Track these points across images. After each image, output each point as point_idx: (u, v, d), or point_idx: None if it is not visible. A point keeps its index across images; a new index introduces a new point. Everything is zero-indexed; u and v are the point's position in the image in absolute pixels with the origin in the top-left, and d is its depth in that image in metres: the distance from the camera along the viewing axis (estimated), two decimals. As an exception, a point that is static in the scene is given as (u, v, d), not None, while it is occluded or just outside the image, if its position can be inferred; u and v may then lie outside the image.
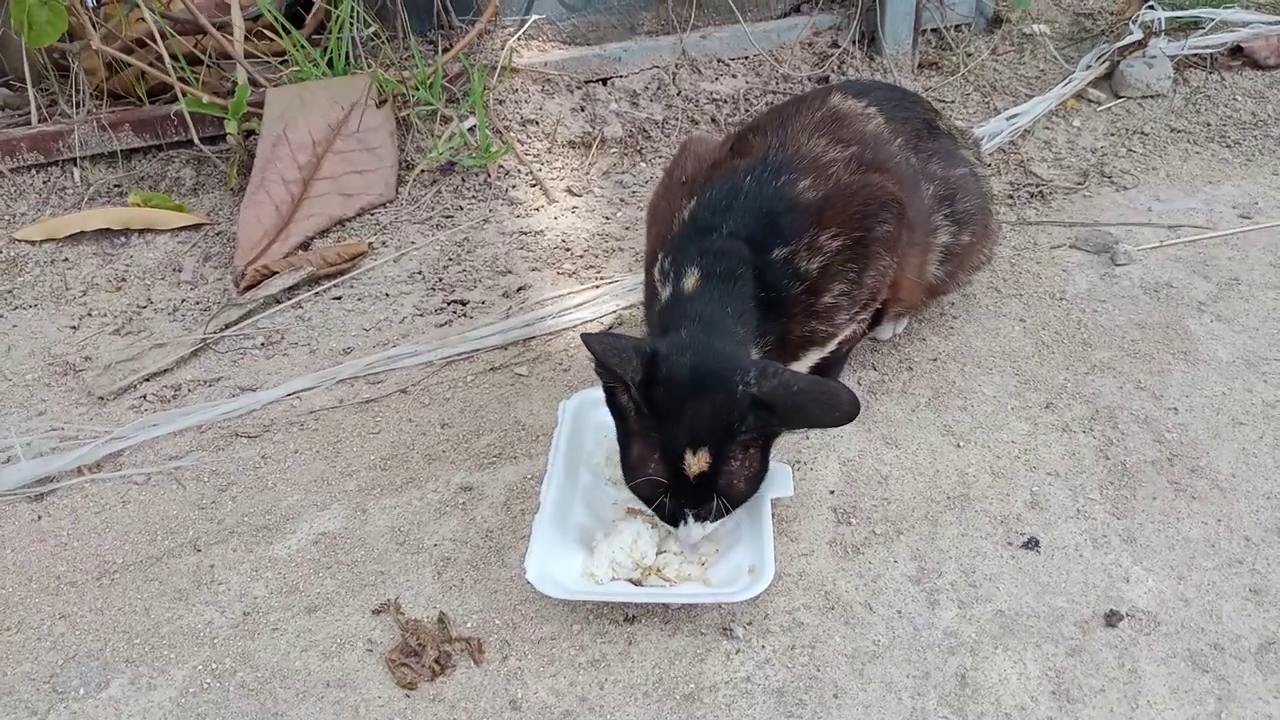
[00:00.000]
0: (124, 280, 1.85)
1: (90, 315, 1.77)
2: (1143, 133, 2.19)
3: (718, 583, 1.20)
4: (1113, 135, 2.18)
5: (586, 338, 1.15)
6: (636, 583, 1.21)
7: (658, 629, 1.19)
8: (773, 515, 1.24)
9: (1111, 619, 1.18)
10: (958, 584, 1.23)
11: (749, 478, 1.16)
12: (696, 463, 1.12)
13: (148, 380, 1.62)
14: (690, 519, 1.17)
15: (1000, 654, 1.15)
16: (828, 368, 1.39)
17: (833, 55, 2.34)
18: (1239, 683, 1.11)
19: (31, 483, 1.43)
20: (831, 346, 1.33)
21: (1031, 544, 1.28)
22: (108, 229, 1.93)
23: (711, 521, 1.18)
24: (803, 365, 1.31)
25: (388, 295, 1.79)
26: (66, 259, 1.90)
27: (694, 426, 1.12)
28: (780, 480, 1.24)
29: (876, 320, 1.43)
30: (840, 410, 1.11)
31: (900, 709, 1.09)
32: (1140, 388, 1.52)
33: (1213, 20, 2.41)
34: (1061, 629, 1.17)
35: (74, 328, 1.74)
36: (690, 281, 1.23)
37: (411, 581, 1.26)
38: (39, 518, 1.38)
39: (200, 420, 1.53)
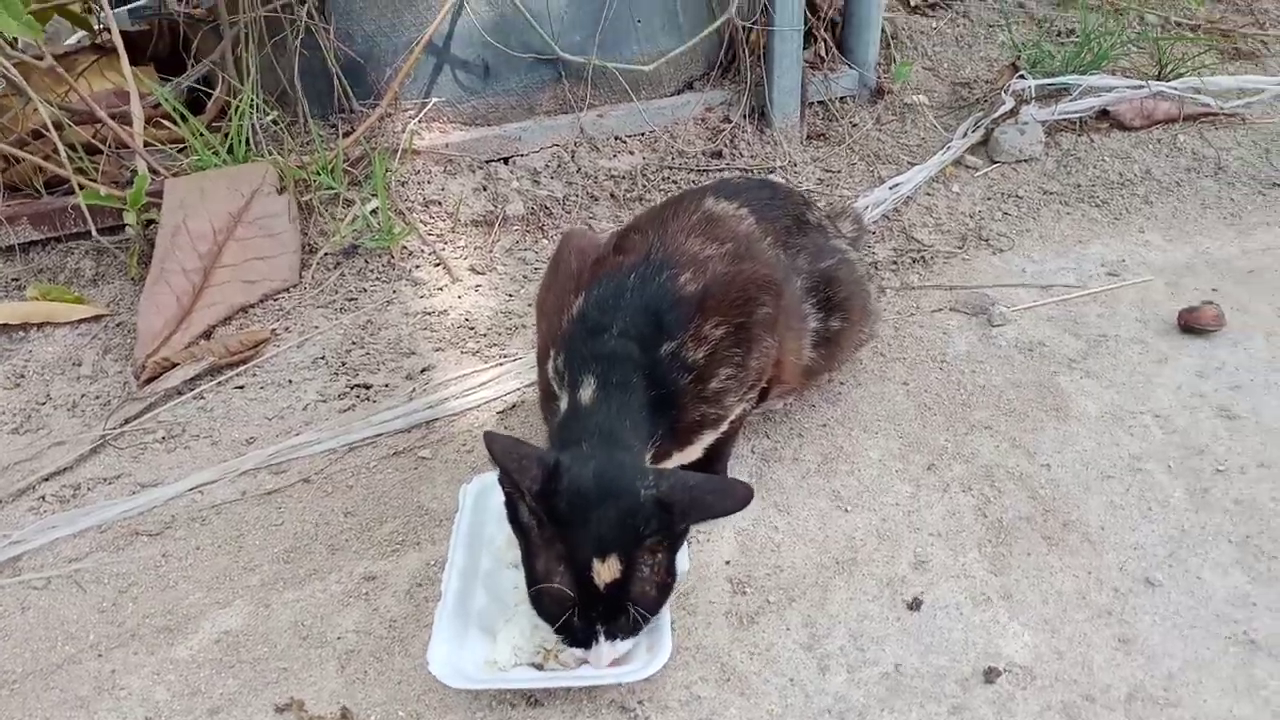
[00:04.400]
0: (22, 377, 1.84)
1: (-14, 415, 1.75)
2: (1017, 196, 2.32)
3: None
4: (989, 200, 2.31)
5: (489, 437, 1.16)
6: (539, 666, 1.24)
7: (560, 711, 1.22)
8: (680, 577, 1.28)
9: (990, 675, 1.24)
10: (846, 648, 1.29)
11: (660, 585, 1.16)
12: (606, 570, 1.12)
13: (46, 480, 1.61)
14: (601, 637, 1.16)
15: (887, 716, 1.20)
16: (720, 446, 1.45)
17: (725, 130, 2.44)
18: (1108, 730, 1.18)
19: (-76, 593, 1.41)
20: (723, 428, 1.39)
21: (915, 605, 1.34)
22: (5, 324, 1.92)
23: (624, 639, 1.18)
24: (696, 448, 1.37)
25: (291, 382, 1.80)
26: (-39, 357, 1.88)
27: (600, 532, 1.12)
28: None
29: (763, 397, 1.49)
30: (735, 498, 1.15)
31: (792, 777, 1.13)
32: (1016, 446, 1.61)
33: (1080, 86, 2.57)
34: (944, 687, 1.23)
35: (-32, 429, 1.72)
36: (587, 393, 1.26)
37: (315, 677, 1.27)
38: (-68, 629, 1.36)
39: (100, 520, 1.52)
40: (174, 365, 1.80)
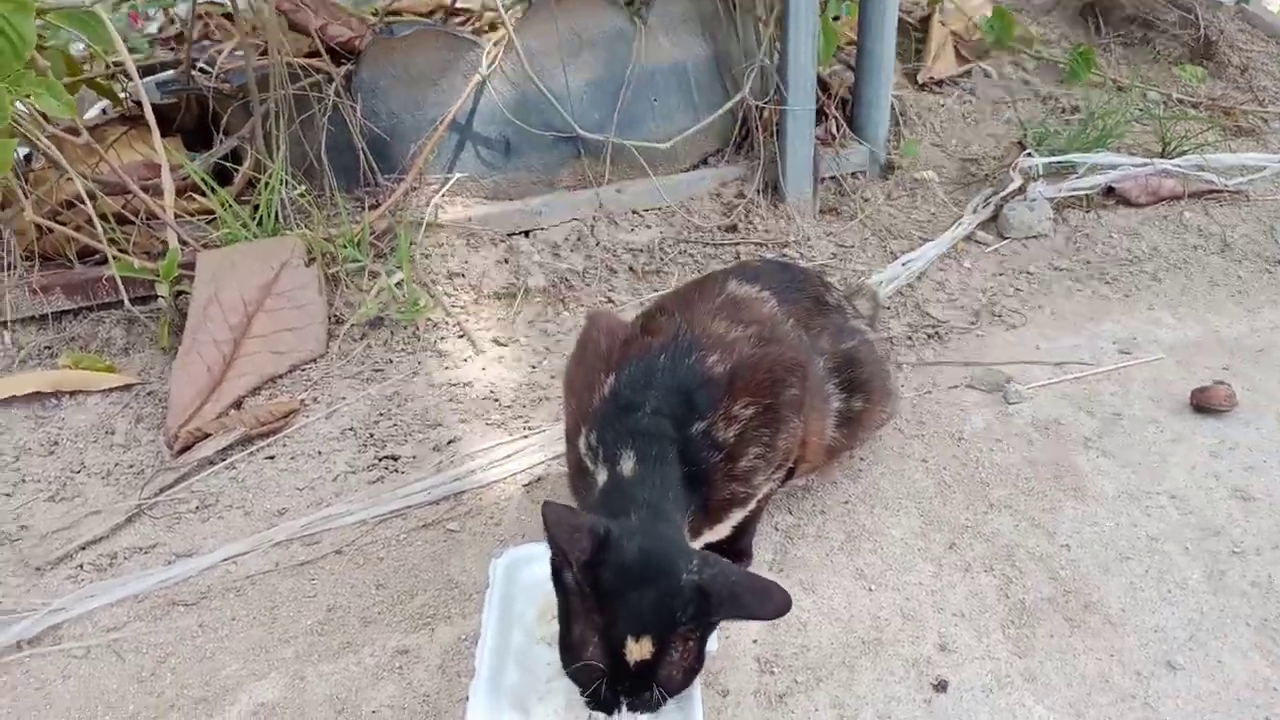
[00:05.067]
0: (56, 444, 1.87)
1: (24, 481, 1.78)
2: (1028, 272, 2.37)
3: None
4: (1001, 275, 2.36)
5: (546, 508, 1.19)
6: None
7: (594, 791, 1.23)
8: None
9: (1017, 758, 1.26)
10: (875, 730, 1.31)
11: (686, 670, 1.18)
12: (638, 650, 1.14)
13: (84, 549, 1.64)
14: (624, 709, 1.19)
15: (917, 799, 1.22)
16: (748, 523, 1.48)
17: (739, 204, 2.50)
18: (1135, 815, 1.20)
19: (-33, 661, 1.43)
20: (752, 505, 1.42)
21: (941, 686, 1.36)
22: (39, 392, 1.95)
23: (644, 713, 1.20)
24: (725, 526, 1.40)
25: (320, 453, 1.84)
26: (-3, 423, 1.91)
27: (639, 613, 1.14)
28: None
29: (789, 476, 1.52)
30: (772, 603, 1.17)
31: None
32: (1035, 525, 1.64)
33: (1086, 164, 2.64)
34: (972, 771, 1.25)
35: (8, 495, 1.75)
36: (628, 465, 1.30)
37: (351, 753, 1.29)
38: (-27, 699, 1.38)
39: (137, 589, 1.55)
40: (206, 435, 1.83)
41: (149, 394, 1.99)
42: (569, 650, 1.19)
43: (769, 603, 1.17)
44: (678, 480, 1.31)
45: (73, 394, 1.98)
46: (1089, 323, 2.20)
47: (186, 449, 1.82)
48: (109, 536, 1.67)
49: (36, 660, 1.44)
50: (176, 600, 1.54)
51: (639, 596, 1.15)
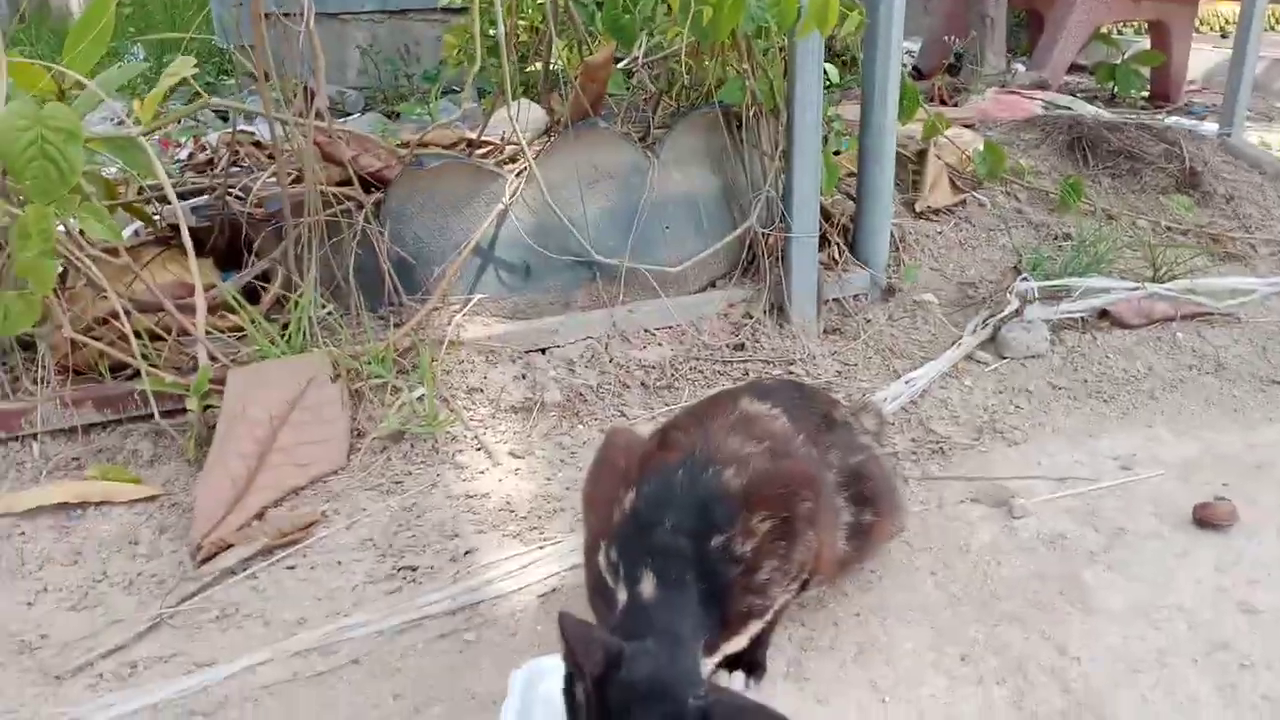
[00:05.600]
0: (79, 554, 1.90)
1: (46, 590, 1.81)
2: (1028, 390, 2.45)
3: None
4: (1001, 393, 2.43)
5: (564, 619, 1.22)
6: None
7: None
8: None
9: None
10: (893, 842, 1.31)
11: None
12: None
13: (104, 658, 1.65)
14: None
15: None
16: (763, 635, 1.51)
17: (746, 324, 2.60)
18: None
19: (-18, 772, 1.44)
20: (768, 617, 1.46)
21: (958, 798, 1.37)
22: (65, 503, 2.00)
23: None
24: (743, 638, 1.43)
25: (339, 563, 1.87)
26: (23, 533, 1.94)
27: None
28: None
29: (803, 587, 1.56)
30: None
31: None
32: (1045, 638, 1.66)
33: (1080, 288, 2.75)
34: None
35: (29, 604, 1.77)
36: (648, 588, 1.33)
37: None
38: (-12, 810, 1.39)
39: (156, 699, 1.56)
40: (229, 546, 1.87)
41: (173, 505, 2.03)
42: None
43: None
44: (696, 599, 1.34)
45: (98, 505, 2.02)
46: (1089, 439, 2.26)
47: (210, 559, 1.85)
48: (129, 645, 1.68)
49: (54, 770, 1.45)
50: (194, 710, 1.55)
51: (642, 716, 1.18)
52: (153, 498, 2.04)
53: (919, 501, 2.03)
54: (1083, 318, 2.71)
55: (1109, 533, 1.93)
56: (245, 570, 1.84)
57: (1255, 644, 1.64)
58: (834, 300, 2.73)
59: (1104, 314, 2.75)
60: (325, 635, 1.68)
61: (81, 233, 2.30)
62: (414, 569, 1.85)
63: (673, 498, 1.41)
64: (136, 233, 2.88)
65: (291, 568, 1.86)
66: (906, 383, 2.42)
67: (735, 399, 1.62)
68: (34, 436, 2.14)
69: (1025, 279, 2.70)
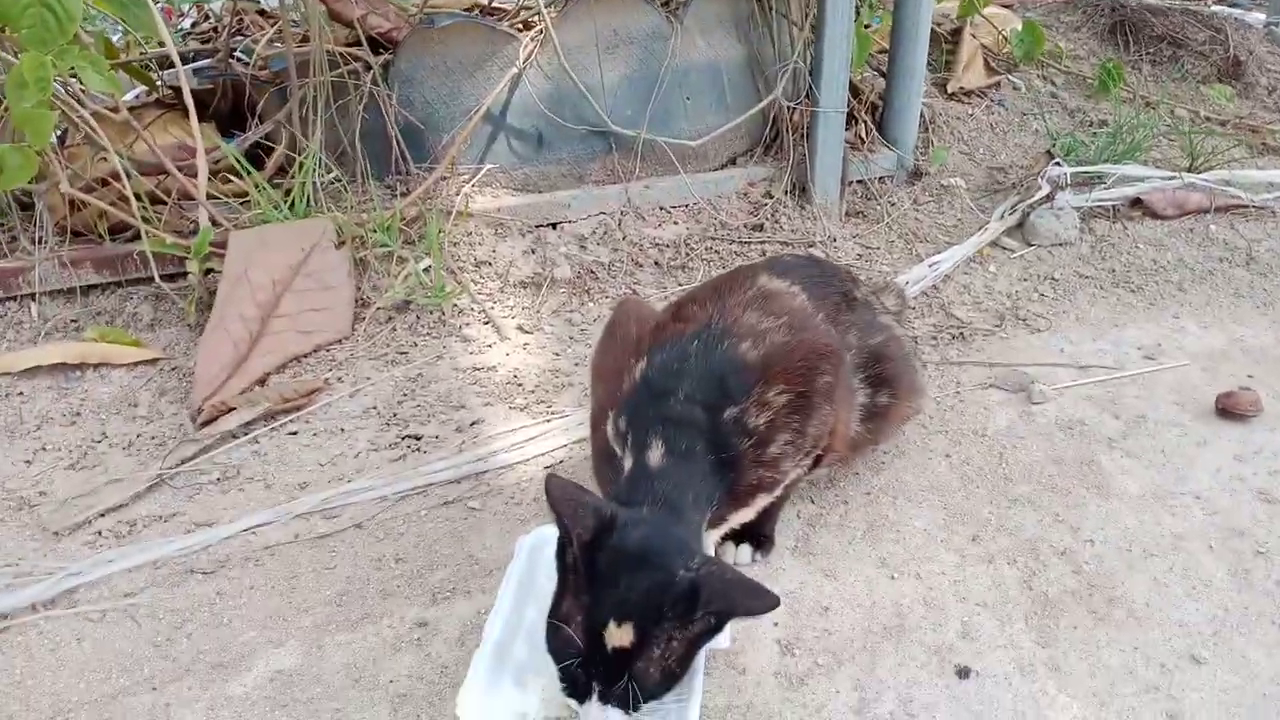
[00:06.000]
0: (78, 415, 1.88)
1: (45, 450, 1.79)
2: (1053, 278, 2.37)
3: None
4: (1025, 281, 2.36)
5: (550, 481, 1.19)
6: None
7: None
8: (715, 656, 1.30)
9: (1040, 745, 1.24)
10: (896, 713, 1.29)
11: (665, 673, 1.13)
12: (618, 636, 1.11)
13: (103, 516, 1.64)
14: (595, 698, 1.14)
15: (937, 781, 1.20)
16: (772, 508, 1.48)
17: (766, 204, 2.51)
18: (1159, 805, 1.18)
19: (-17, 621, 1.43)
20: (778, 491, 1.42)
21: (964, 673, 1.35)
22: (64, 364, 1.97)
23: (615, 707, 1.14)
24: (750, 511, 1.39)
25: (343, 430, 1.84)
26: (21, 393, 1.92)
27: (626, 598, 1.12)
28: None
29: (816, 464, 1.51)
30: (761, 602, 1.13)
31: (845, 838, 1.14)
32: (1059, 520, 1.63)
33: (1114, 175, 2.64)
34: (994, 756, 1.23)
35: (28, 462, 1.76)
36: (655, 455, 1.29)
37: (368, 719, 1.28)
38: (-10, 657, 1.38)
39: (155, 556, 1.55)
40: (230, 410, 1.84)
41: (173, 369, 2.00)
42: (552, 623, 1.17)
43: (757, 600, 1.13)
44: (704, 471, 1.30)
45: (97, 367, 1.99)
46: (1113, 329, 2.19)
47: (210, 422, 1.82)
48: (128, 504, 1.67)
49: (51, 623, 1.44)
50: (194, 568, 1.54)
51: (630, 582, 1.13)
52: (153, 361, 2.01)
53: (936, 386, 1.97)
54: (1115, 206, 2.62)
55: (1129, 420, 1.88)
56: (247, 434, 1.82)
57: (1272, 532, 1.60)
58: (858, 182, 2.63)
59: (1136, 203, 2.65)
60: (327, 499, 1.66)
61: (82, 90, 2.22)
62: (418, 438, 1.82)
63: (686, 368, 1.36)
64: (137, 97, 2.79)
65: (294, 433, 1.83)
66: (930, 266, 2.34)
67: (754, 275, 1.55)
68: (32, 297, 2.10)
69: (1058, 164, 2.60)
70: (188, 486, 1.71)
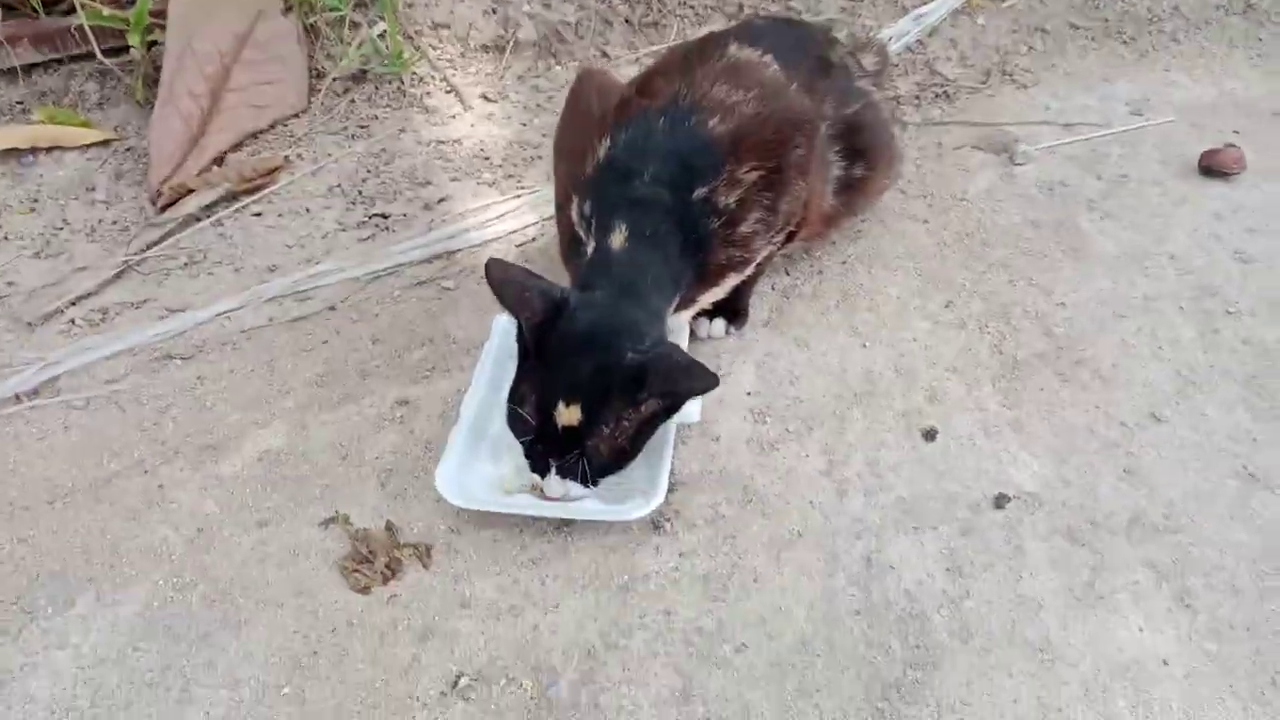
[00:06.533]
0: (37, 201, 1.82)
1: (6, 239, 1.75)
2: (1044, 30, 2.26)
3: (614, 499, 1.26)
4: (1015, 32, 2.25)
5: (490, 266, 1.19)
6: (540, 493, 1.26)
7: (592, 526, 1.27)
8: (690, 427, 1.34)
9: (1000, 501, 1.30)
10: (864, 474, 1.34)
11: (615, 450, 1.19)
12: (567, 415, 1.16)
13: (74, 304, 1.62)
14: (554, 471, 1.20)
15: (901, 537, 1.26)
16: (744, 286, 1.47)
17: (745, -47, 2.35)
18: (1111, 553, 1.24)
19: (-33, 412, 1.44)
20: (749, 270, 1.41)
21: (930, 435, 1.39)
22: (15, 149, 1.89)
23: (574, 481, 1.21)
24: (721, 290, 1.39)
25: (308, 210, 1.80)
26: (-28, 179, 1.86)
27: (574, 379, 1.16)
28: (689, 407, 1.28)
29: (789, 239, 1.49)
30: (703, 382, 1.17)
31: (812, 589, 1.20)
32: (1032, 284, 1.63)
33: (1112, -87, 2.47)
34: (955, 512, 1.29)
35: (-9, 253, 1.73)
36: (618, 240, 1.27)
37: (356, 493, 1.32)
38: (-20, 446, 1.40)
39: (132, 343, 1.55)
40: (190, 191, 1.78)
41: (128, 150, 1.92)
42: (510, 403, 1.22)
43: (701, 381, 1.17)
44: (669, 253, 1.29)
45: (49, 150, 1.91)
46: (1102, 83, 2.12)
47: (170, 205, 1.77)
48: (98, 292, 1.65)
49: (36, 412, 1.45)
50: (172, 354, 1.54)
51: (576, 364, 1.17)
52: (105, 142, 1.93)
53: (917, 148, 1.92)
54: (1111, -51, 2.46)
55: (1111, 180, 1.85)
56: (210, 217, 1.77)
57: (1244, 291, 1.61)
58: (840, -73, 2.45)
59: (1135, -55, 2.49)
60: (298, 281, 1.65)
61: None
62: (386, 216, 1.78)
63: (652, 146, 1.31)
64: None
65: (258, 214, 1.79)
66: (915, 20, 2.23)
67: (722, 44, 1.46)
68: (-29, 78, 1.99)
69: (1054, -99, 2.42)
70: (155, 272, 1.69)
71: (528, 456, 1.23)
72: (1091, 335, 1.54)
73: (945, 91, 2.08)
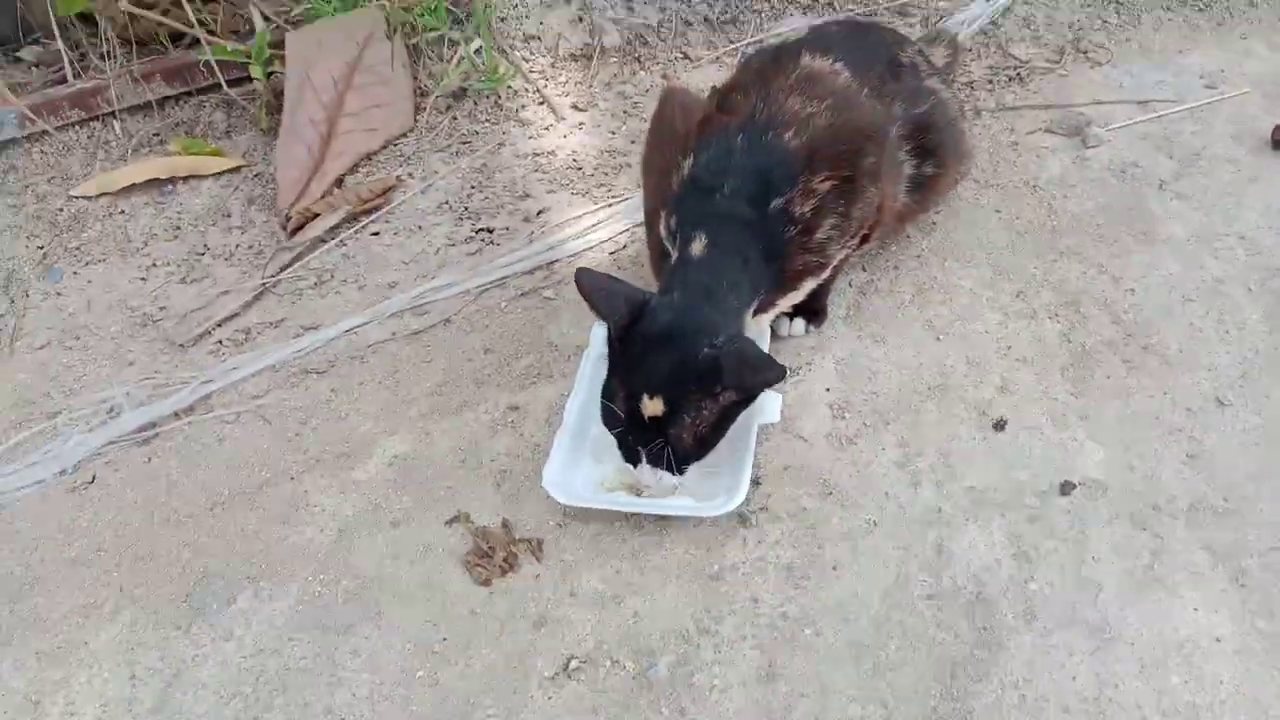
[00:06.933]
0: (179, 228, 2.03)
1: (155, 265, 1.96)
2: (1119, 2, 2.28)
3: (703, 496, 1.40)
4: (1089, 6, 2.27)
5: (580, 275, 1.34)
6: (638, 492, 1.41)
7: (685, 521, 1.41)
8: (773, 425, 1.47)
9: (1066, 488, 1.40)
10: (936, 466, 1.45)
11: (697, 437, 1.32)
12: (652, 406, 1.29)
13: (220, 326, 1.82)
14: (645, 461, 1.34)
15: (971, 525, 1.38)
16: (822, 288, 1.59)
17: (818, -55, 2.41)
18: (1171, 537, 1.34)
19: (137, 429, 1.65)
20: (826, 274, 1.52)
21: (1000, 425, 1.49)
22: (156, 179, 2.10)
23: (663, 469, 1.34)
24: (799, 294, 1.51)
25: (420, 228, 1.96)
26: (123, 211, 2.07)
27: (655, 374, 1.30)
28: (769, 407, 1.43)
29: (864, 242, 1.60)
30: (772, 374, 1.30)
31: (887, 576, 1.33)
32: (1102, 271, 1.70)
33: None
34: (1023, 499, 1.40)
35: (143, 279, 1.93)
36: (697, 247, 1.40)
37: (476, 494, 1.49)
38: (149, 460, 1.61)
39: (274, 360, 1.74)
40: (315, 215, 1.97)
41: (255, 175, 2.12)
42: (604, 399, 1.36)
43: (771, 373, 1.30)
44: (746, 261, 1.41)
45: (186, 179, 2.12)
46: (1177, 56, 2.14)
47: (299, 228, 1.96)
48: (240, 314, 1.85)
49: (193, 427, 1.65)
50: (309, 369, 1.73)
51: (658, 360, 1.30)
52: (236, 169, 2.13)
53: (991, 134, 1.99)
54: (1193, -91, 2.44)
55: (1183, 159, 1.89)
56: (334, 238, 1.95)
57: (1317, 269, 1.66)
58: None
59: (1218, -98, 2.46)
60: (416, 297, 1.82)
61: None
62: (490, 230, 1.94)
63: (731, 164, 1.43)
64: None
65: (376, 234, 1.97)
66: (988, 1, 2.27)
67: (796, 54, 1.56)
68: (113, 115, 2.20)
69: None
70: (290, 293, 1.88)
71: (620, 448, 1.38)
72: (1159, 321, 1.61)
73: (1019, 74, 2.12)
